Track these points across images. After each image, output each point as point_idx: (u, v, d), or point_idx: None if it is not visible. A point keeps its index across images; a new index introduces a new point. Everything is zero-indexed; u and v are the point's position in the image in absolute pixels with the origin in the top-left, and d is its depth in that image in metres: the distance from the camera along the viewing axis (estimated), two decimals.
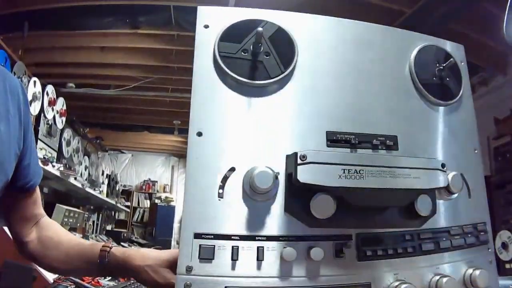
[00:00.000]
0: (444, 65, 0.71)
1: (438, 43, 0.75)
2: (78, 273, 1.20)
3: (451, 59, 0.71)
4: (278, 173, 0.58)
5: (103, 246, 0.83)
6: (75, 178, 3.68)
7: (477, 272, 0.62)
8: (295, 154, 0.56)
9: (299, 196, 0.57)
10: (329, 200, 0.55)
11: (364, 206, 0.58)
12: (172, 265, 0.72)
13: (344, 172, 0.55)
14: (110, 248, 0.82)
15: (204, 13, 0.67)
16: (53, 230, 0.90)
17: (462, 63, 0.76)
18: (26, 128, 0.83)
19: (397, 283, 0.58)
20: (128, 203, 7.88)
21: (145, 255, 0.78)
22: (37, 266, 1.41)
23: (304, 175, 0.55)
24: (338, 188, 0.55)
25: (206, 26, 0.66)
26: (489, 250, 0.68)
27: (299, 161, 0.55)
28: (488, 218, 0.69)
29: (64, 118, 4.04)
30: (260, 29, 0.62)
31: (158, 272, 0.75)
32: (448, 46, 0.76)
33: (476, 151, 0.72)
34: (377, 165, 0.57)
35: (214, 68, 0.63)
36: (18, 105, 0.81)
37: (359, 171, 0.56)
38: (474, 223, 0.67)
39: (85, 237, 3.31)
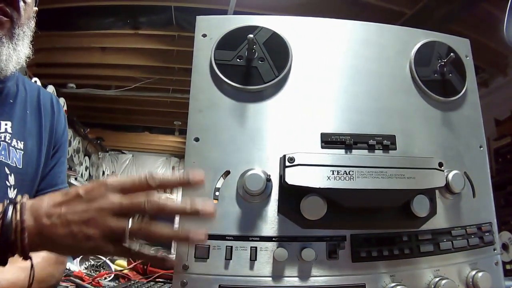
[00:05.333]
0: (446, 60, 0.69)
1: (441, 38, 0.73)
2: None
3: (452, 53, 0.68)
4: (270, 175, 0.59)
5: None
6: (76, 179, 3.70)
7: (479, 274, 0.60)
8: (284, 156, 0.56)
9: (292, 197, 0.57)
10: (319, 202, 0.55)
11: (355, 207, 0.58)
12: None
13: (333, 174, 0.55)
14: None
15: (202, 23, 0.68)
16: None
17: (467, 58, 0.74)
18: (57, 141, 0.89)
19: (392, 285, 0.58)
20: None
21: None
22: None
23: (292, 177, 0.55)
24: (327, 190, 0.55)
25: (204, 35, 0.67)
26: (495, 251, 0.66)
27: (287, 163, 0.56)
28: (494, 218, 0.67)
29: None
30: (250, 36, 0.62)
31: None
32: (452, 41, 0.74)
33: (481, 148, 0.69)
34: (369, 166, 0.56)
35: (211, 76, 0.64)
36: (51, 119, 0.88)
37: (349, 172, 0.55)
38: (479, 223, 0.65)
39: None
